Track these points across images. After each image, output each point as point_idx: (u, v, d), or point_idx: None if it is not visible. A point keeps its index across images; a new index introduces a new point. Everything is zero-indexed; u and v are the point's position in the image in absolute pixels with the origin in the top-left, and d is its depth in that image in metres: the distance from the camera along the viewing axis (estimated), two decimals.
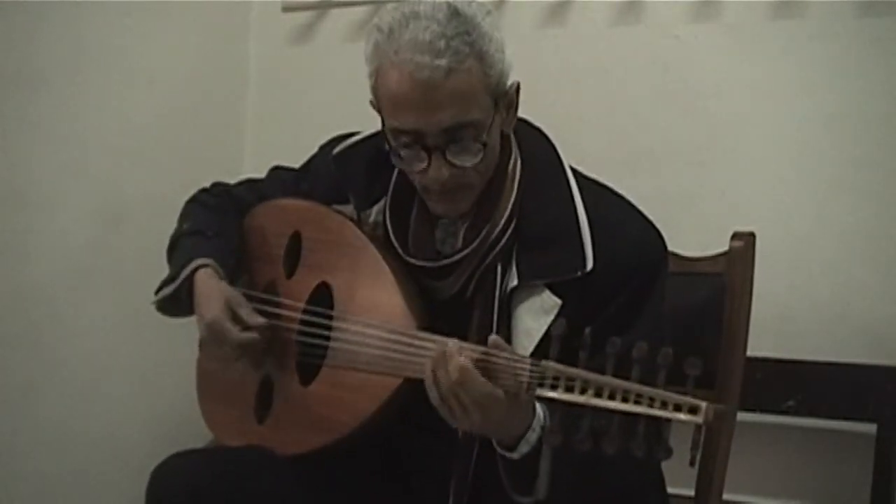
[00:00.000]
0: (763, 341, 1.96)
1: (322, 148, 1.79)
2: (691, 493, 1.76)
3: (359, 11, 2.62)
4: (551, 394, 1.32)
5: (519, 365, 1.35)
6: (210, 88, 2.70)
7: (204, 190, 1.89)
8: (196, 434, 1.90)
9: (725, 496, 1.76)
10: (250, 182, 1.89)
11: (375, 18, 1.51)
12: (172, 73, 2.58)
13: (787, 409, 2.07)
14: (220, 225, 1.80)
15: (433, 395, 1.40)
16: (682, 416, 1.22)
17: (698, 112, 2.26)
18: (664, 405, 1.23)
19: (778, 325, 2.12)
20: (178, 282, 1.72)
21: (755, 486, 2.14)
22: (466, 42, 1.44)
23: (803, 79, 2.16)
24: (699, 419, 1.22)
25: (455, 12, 1.45)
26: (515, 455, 1.43)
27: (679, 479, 1.65)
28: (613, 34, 2.34)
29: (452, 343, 1.40)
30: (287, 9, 2.74)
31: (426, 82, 1.42)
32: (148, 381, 2.50)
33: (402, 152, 1.50)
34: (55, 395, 2.35)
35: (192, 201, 1.87)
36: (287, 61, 2.77)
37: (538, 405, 1.43)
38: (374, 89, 1.52)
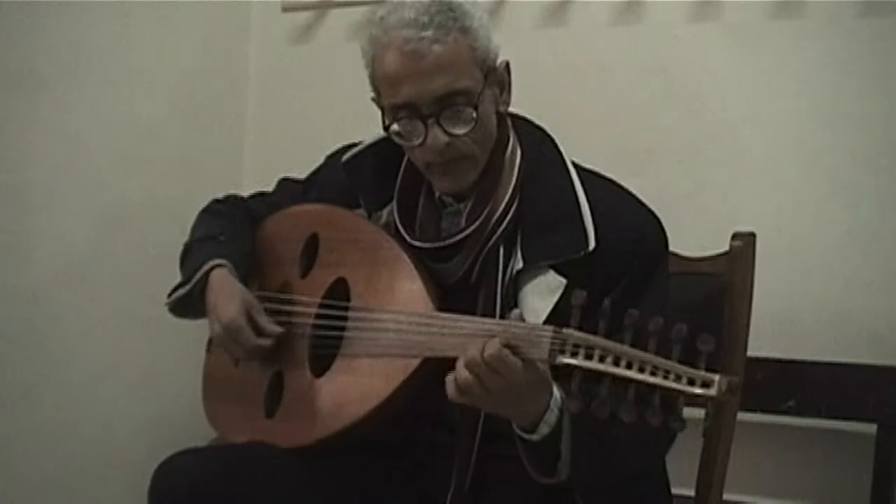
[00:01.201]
0: (763, 341, 1.96)
1: (329, 157, 1.83)
2: (691, 493, 1.76)
3: (359, 11, 2.62)
4: (572, 360, 1.33)
5: (540, 333, 1.37)
6: (210, 88, 2.70)
7: (217, 200, 1.91)
8: (197, 434, 1.90)
9: (725, 496, 1.76)
10: (261, 195, 1.93)
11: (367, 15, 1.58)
12: (172, 74, 2.58)
13: (787, 409, 2.07)
14: (233, 230, 1.82)
15: (459, 364, 1.41)
16: (696, 389, 1.26)
17: (698, 112, 2.26)
18: (678, 378, 1.27)
19: (778, 325, 2.12)
20: (192, 282, 1.73)
21: (755, 486, 2.14)
22: (449, 17, 1.53)
23: (803, 79, 2.16)
24: (713, 392, 1.25)
25: None
26: (536, 437, 1.44)
27: (679, 479, 1.66)
28: (613, 34, 2.34)
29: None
30: (287, 9, 2.74)
31: (414, 52, 1.52)
32: (148, 381, 2.50)
33: (401, 127, 1.57)
34: (55, 394, 2.35)
35: (205, 211, 1.90)
36: (287, 61, 2.77)
37: (554, 388, 1.44)
38: (372, 78, 1.61)
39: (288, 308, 1.72)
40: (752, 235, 1.81)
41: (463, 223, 1.61)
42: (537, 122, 1.68)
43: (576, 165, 1.63)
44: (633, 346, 1.30)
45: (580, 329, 1.34)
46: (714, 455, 1.73)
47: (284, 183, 1.92)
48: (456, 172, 1.59)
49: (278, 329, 1.70)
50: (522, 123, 1.68)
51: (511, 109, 1.67)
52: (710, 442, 1.72)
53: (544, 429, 1.44)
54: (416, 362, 1.53)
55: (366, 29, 1.60)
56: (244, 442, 1.69)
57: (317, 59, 2.71)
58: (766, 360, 2.06)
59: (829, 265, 2.13)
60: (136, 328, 2.43)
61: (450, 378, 1.41)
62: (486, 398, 1.40)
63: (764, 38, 2.20)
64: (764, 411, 2.10)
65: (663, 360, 1.28)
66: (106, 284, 2.42)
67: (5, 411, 2.27)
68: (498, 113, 1.62)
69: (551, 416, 1.44)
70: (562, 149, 1.64)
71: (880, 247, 2.09)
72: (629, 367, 1.30)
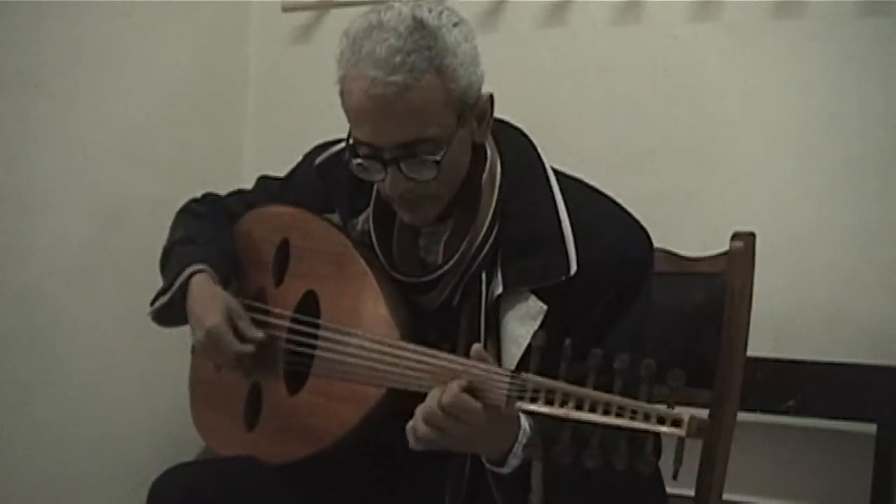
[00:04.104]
0: (763, 341, 1.96)
1: (306, 157, 1.78)
2: (691, 493, 1.76)
3: (359, 12, 2.60)
4: (531, 406, 1.30)
5: (498, 378, 1.33)
6: (210, 88, 2.70)
7: (194, 200, 1.88)
8: (195, 435, 1.90)
9: (725, 496, 1.76)
10: (240, 192, 1.90)
11: (349, 23, 1.50)
12: (172, 73, 2.58)
13: (787, 409, 2.07)
14: (212, 231, 1.79)
15: (417, 415, 1.38)
16: (664, 428, 1.22)
17: (698, 112, 2.26)
18: (646, 417, 1.23)
19: (778, 325, 2.12)
20: (173, 290, 1.70)
21: (755, 486, 2.14)
22: (425, 57, 1.41)
23: (803, 79, 2.16)
24: (681, 432, 1.21)
25: (419, 24, 1.42)
26: (505, 470, 1.41)
27: (679, 479, 1.65)
28: (613, 34, 2.34)
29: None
30: (287, 9, 2.74)
31: (380, 98, 1.40)
32: (148, 381, 2.50)
33: (363, 163, 1.49)
34: (54, 395, 2.35)
35: (183, 211, 1.87)
36: (287, 61, 2.77)
37: (523, 419, 1.41)
38: (341, 97, 1.50)
39: (263, 318, 1.70)
40: (752, 235, 1.81)
41: (441, 252, 1.56)
42: (517, 123, 1.62)
43: (557, 174, 1.57)
44: (597, 387, 1.26)
45: (541, 372, 1.30)
46: (714, 455, 1.72)
47: (263, 181, 1.87)
48: (418, 209, 1.52)
49: (260, 335, 1.66)
50: (501, 129, 1.59)
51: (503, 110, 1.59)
52: (709, 443, 1.72)
53: (513, 461, 1.40)
54: (380, 392, 1.50)
55: (341, 39, 1.48)
56: (234, 455, 1.68)
57: (317, 59, 2.70)
58: (766, 360, 2.06)
59: (828, 265, 2.13)
60: (136, 328, 2.41)
61: (409, 428, 1.37)
62: (448, 444, 1.37)
63: (764, 38, 2.20)
64: (764, 411, 2.10)
65: (630, 401, 1.23)
66: (106, 284, 2.43)
67: (5, 411, 2.27)
68: (474, 143, 1.53)
69: (520, 448, 1.40)
70: (542, 156, 1.58)
71: (880, 247, 2.09)
72: (592, 410, 1.25)
